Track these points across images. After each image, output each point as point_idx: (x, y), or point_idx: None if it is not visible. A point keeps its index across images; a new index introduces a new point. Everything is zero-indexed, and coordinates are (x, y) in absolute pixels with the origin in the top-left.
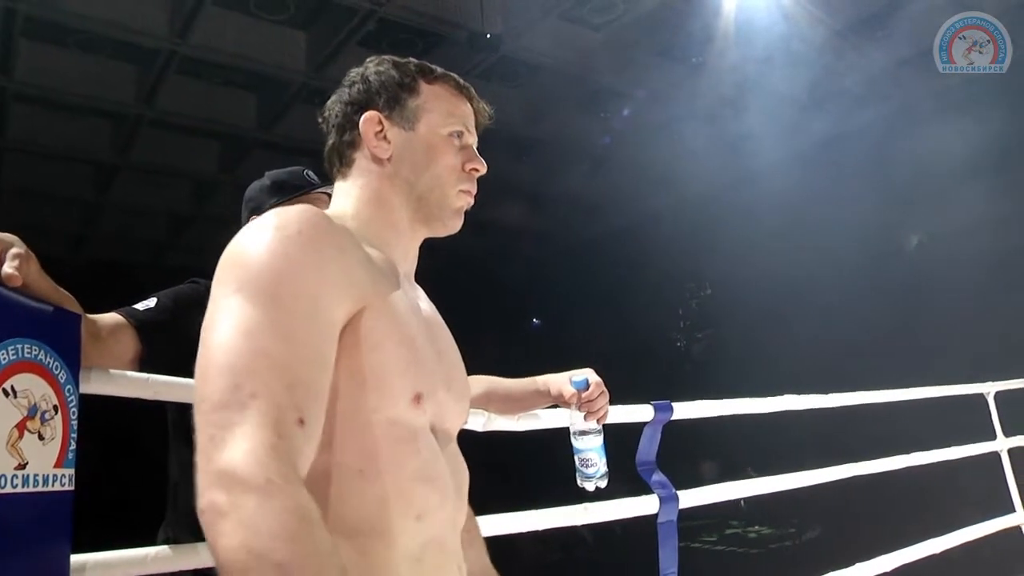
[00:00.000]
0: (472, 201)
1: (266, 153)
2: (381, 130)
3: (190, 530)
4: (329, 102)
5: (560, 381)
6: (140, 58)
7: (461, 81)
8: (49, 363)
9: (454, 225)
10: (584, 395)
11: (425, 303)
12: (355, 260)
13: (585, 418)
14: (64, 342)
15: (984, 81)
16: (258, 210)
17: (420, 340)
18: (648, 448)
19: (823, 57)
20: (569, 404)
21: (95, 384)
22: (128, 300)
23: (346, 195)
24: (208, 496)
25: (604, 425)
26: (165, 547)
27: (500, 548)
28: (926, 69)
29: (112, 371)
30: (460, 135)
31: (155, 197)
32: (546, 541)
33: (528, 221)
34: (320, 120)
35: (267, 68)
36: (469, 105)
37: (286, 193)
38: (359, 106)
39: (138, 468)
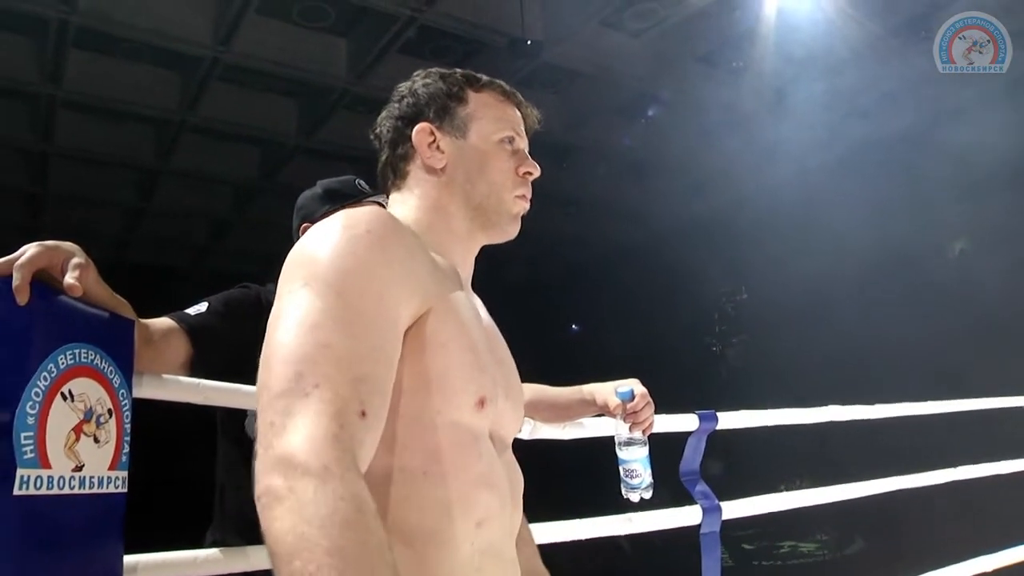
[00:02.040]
0: (528, 205)
1: (306, 159)
2: (434, 140)
3: (237, 533)
4: (379, 118)
5: (606, 391)
6: (184, 65)
7: (507, 87)
8: (104, 368)
9: (512, 230)
10: (629, 406)
11: (483, 311)
12: (420, 262)
13: (630, 429)
14: (118, 347)
15: None
16: (310, 217)
17: (482, 346)
18: (692, 458)
19: (865, 61)
20: (614, 414)
21: (147, 389)
22: (169, 303)
23: (403, 204)
24: (266, 481)
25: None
26: (215, 550)
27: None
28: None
29: (164, 376)
30: (511, 140)
31: (196, 202)
32: (582, 551)
33: (567, 227)
34: (372, 136)
35: (308, 75)
36: (517, 110)
37: (338, 201)
38: (410, 119)
39: (185, 471)
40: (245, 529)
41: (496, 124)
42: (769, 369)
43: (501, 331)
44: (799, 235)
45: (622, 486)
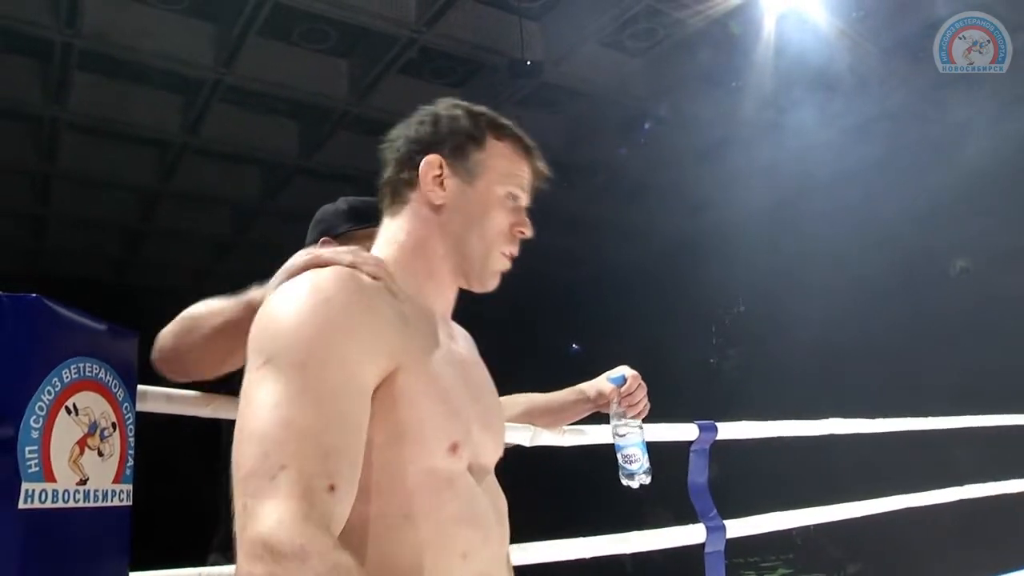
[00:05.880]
0: (510, 264)
1: (307, 180)
2: (440, 175)
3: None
4: (394, 132)
5: (598, 382)
6: (186, 88)
7: (528, 141)
8: (108, 381)
9: (490, 285)
10: (623, 389)
11: (461, 342)
12: (386, 321)
13: (626, 413)
14: (122, 361)
15: None
16: (329, 231)
17: (456, 390)
18: (699, 473)
19: (862, 81)
20: (610, 400)
21: (152, 402)
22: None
23: (392, 240)
24: (246, 567)
25: (649, 446)
26: (219, 568)
27: None
28: (969, 90)
29: (168, 390)
30: (515, 197)
31: (197, 223)
32: (584, 570)
33: (566, 245)
34: (382, 147)
35: (309, 96)
36: (529, 166)
37: (361, 221)
38: (424, 145)
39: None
40: None
41: (505, 179)
42: (773, 387)
43: (498, 353)
44: (803, 253)
45: (620, 474)
